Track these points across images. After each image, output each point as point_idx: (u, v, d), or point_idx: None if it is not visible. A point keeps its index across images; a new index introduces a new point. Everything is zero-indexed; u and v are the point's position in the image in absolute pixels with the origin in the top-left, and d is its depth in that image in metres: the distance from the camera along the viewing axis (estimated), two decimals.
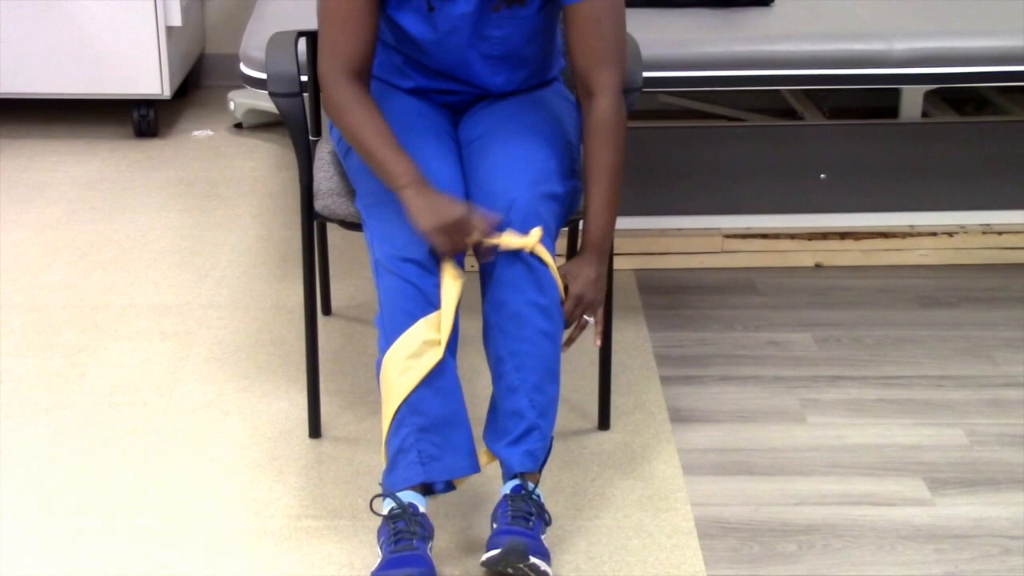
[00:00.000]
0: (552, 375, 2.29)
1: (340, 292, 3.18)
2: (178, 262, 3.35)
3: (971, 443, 2.63)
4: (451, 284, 2.24)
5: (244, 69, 2.95)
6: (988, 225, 3.36)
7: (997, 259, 3.35)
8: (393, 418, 2.22)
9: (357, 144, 2.28)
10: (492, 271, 2.28)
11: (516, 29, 2.44)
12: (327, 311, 3.09)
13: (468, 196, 2.34)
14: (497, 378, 2.29)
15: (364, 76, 2.33)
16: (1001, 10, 3.25)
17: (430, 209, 2.20)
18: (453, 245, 2.21)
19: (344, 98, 2.29)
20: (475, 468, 2.25)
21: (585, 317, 2.36)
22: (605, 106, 2.34)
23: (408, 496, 2.21)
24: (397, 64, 2.52)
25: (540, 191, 2.30)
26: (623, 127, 2.36)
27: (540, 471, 2.29)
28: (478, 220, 2.21)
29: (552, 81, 2.61)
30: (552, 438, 2.33)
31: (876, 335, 3.04)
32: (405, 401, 2.21)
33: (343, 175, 2.50)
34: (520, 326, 2.27)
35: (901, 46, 3.05)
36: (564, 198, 2.36)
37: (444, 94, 2.53)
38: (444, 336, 2.23)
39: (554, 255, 2.29)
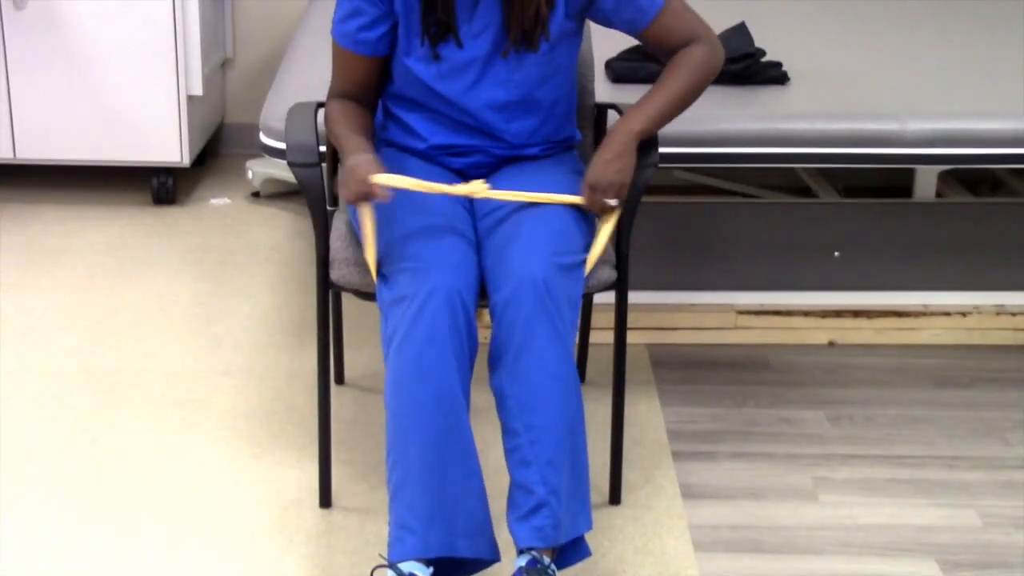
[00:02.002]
0: (570, 450, 2.28)
1: (354, 361, 3.18)
2: (193, 329, 3.36)
3: (984, 525, 2.61)
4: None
5: (263, 138, 2.97)
6: (1002, 306, 3.36)
7: (1011, 340, 3.35)
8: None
9: (331, 135, 2.50)
10: (510, 340, 2.28)
11: (528, 73, 2.47)
12: (340, 380, 3.10)
13: (485, 269, 2.36)
14: (511, 451, 2.29)
15: (357, 101, 2.54)
16: (1015, 92, 3.27)
17: (348, 170, 2.33)
18: (353, 191, 2.30)
19: (331, 109, 2.54)
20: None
21: (608, 202, 2.40)
22: (696, 47, 2.49)
23: (410, 567, 2.20)
24: (412, 122, 2.54)
25: (559, 262, 2.31)
26: (706, 69, 2.49)
27: (559, 545, 2.27)
28: (367, 169, 2.29)
29: (569, 147, 2.63)
30: (586, 513, 2.30)
31: (889, 414, 3.03)
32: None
33: (359, 245, 2.52)
34: (538, 399, 2.27)
35: (915, 126, 3.07)
36: (583, 269, 2.37)
37: (460, 155, 2.55)
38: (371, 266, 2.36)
39: (576, 327, 2.30)
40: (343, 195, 2.32)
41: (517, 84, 2.48)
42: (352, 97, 2.55)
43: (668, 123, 2.51)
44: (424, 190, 2.38)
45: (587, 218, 2.46)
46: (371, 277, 2.41)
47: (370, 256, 2.38)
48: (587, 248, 2.41)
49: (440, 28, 2.43)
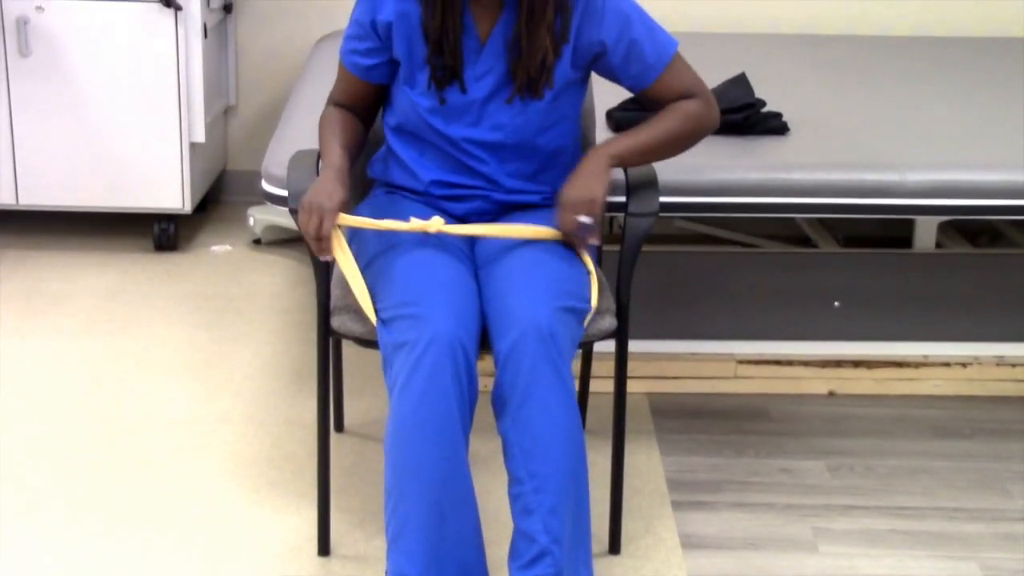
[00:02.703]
0: (574, 497, 2.27)
1: (353, 409, 3.18)
2: (193, 376, 3.36)
3: None
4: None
5: (265, 186, 2.98)
6: (1002, 357, 3.36)
7: (1011, 391, 3.34)
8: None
9: (319, 137, 2.58)
10: (515, 388, 2.28)
11: (530, 119, 2.49)
12: (340, 428, 3.09)
13: (488, 317, 2.36)
14: (515, 498, 2.28)
15: (351, 112, 2.63)
16: (1015, 143, 3.28)
17: (315, 187, 2.40)
18: (306, 222, 2.35)
19: (325, 115, 2.62)
20: None
21: (581, 219, 2.40)
22: (693, 101, 2.55)
23: None
24: (411, 159, 2.56)
25: (558, 305, 2.31)
26: (697, 122, 2.54)
27: None
28: (328, 211, 2.34)
29: None
30: (587, 562, 2.31)
31: (889, 464, 3.02)
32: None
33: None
34: (542, 446, 2.26)
35: (915, 177, 3.08)
36: (582, 316, 2.37)
37: (460, 199, 2.56)
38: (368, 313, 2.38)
39: (570, 376, 2.30)
40: (299, 221, 2.38)
41: (517, 129, 2.50)
42: (347, 108, 2.64)
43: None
44: (380, 228, 2.44)
45: (584, 269, 2.47)
46: (371, 323, 2.41)
47: (356, 288, 2.41)
48: (588, 292, 2.42)
49: (446, 72, 2.46)
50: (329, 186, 2.39)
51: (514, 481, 2.29)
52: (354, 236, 2.54)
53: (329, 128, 2.59)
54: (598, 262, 2.61)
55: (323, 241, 2.36)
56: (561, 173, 2.58)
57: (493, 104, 2.49)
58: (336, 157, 2.50)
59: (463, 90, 2.48)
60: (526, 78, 2.45)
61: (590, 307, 2.41)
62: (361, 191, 2.79)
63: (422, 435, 2.23)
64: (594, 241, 2.46)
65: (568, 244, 2.47)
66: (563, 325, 2.30)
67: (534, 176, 2.57)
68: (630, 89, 2.58)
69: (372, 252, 2.47)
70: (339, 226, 2.41)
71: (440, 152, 2.54)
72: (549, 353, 2.26)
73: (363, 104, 2.64)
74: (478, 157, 2.52)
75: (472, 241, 2.55)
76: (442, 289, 2.32)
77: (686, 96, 2.55)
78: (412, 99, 2.51)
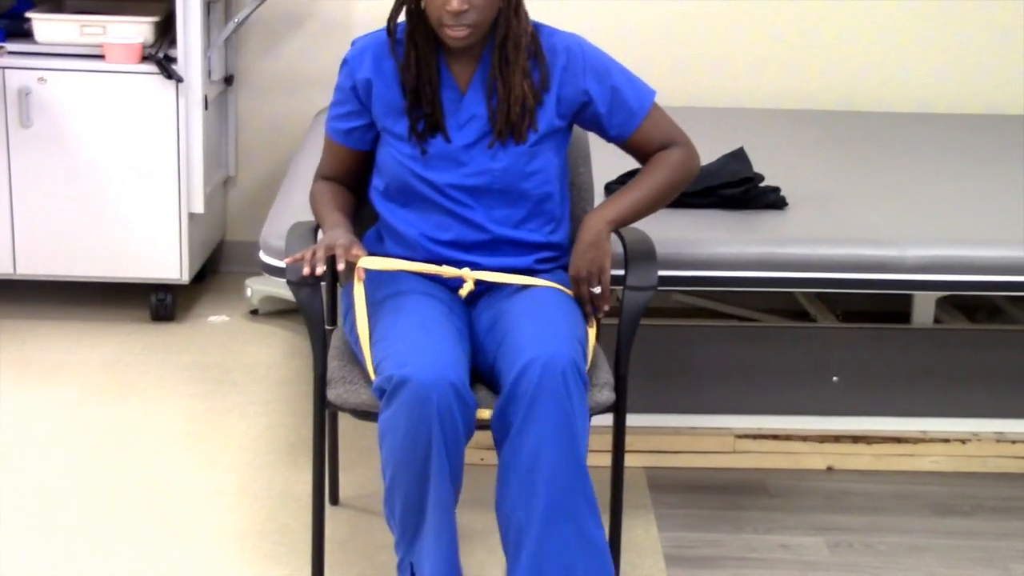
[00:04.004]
0: (568, 519, 2.31)
1: (349, 482, 3.16)
2: (188, 447, 3.34)
3: None
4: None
5: (263, 257, 2.98)
6: (1001, 433, 3.34)
7: (1011, 468, 3.32)
8: None
9: (314, 212, 2.65)
10: (517, 413, 2.30)
11: (513, 163, 2.54)
12: (335, 501, 3.07)
13: (488, 368, 2.42)
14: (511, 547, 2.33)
15: (340, 184, 2.70)
16: (1013, 220, 3.28)
17: (326, 235, 2.52)
18: (316, 251, 2.44)
19: (315, 191, 2.69)
20: None
21: (594, 291, 2.50)
22: (675, 150, 2.62)
23: None
24: (402, 219, 2.59)
25: (564, 337, 2.37)
26: (683, 170, 2.61)
27: None
28: (341, 244, 2.43)
29: (556, 255, 2.65)
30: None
31: (889, 541, 3.00)
32: None
33: (356, 364, 2.51)
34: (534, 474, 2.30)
35: (913, 253, 3.09)
36: (585, 353, 2.41)
37: (449, 244, 2.58)
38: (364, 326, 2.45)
39: (581, 407, 2.31)
40: (320, 251, 2.44)
41: (502, 173, 2.55)
42: (334, 180, 2.70)
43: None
44: (409, 269, 2.52)
45: (579, 316, 2.51)
46: (367, 395, 2.41)
47: (362, 327, 2.46)
48: (587, 339, 2.47)
49: (428, 124, 2.50)
50: (343, 235, 2.48)
51: (503, 516, 2.34)
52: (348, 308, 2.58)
53: (321, 200, 2.66)
54: (598, 335, 2.61)
55: (350, 255, 2.44)
56: (547, 222, 2.61)
57: (477, 149, 2.54)
58: (337, 218, 2.58)
59: (447, 139, 2.54)
60: (506, 122, 2.51)
61: (589, 351, 2.47)
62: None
63: (407, 477, 2.31)
64: (606, 306, 2.54)
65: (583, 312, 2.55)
66: (570, 354, 2.33)
67: (522, 223, 2.60)
68: (615, 139, 2.64)
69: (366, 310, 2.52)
70: (357, 273, 2.49)
71: (427, 203, 2.57)
72: (554, 379, 2.29)
73: (349, 175, 2.70)
74: (464, 203, 2.56)
75: (469, 303, 2.60)
76: (433, 336, 2.36)
77: (667, 144, 2.63)
78: (396, 152, 2.56)
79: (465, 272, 2.54)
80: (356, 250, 2.44)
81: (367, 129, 2.62)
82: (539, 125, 2.54)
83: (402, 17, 2.54)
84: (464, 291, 2.52)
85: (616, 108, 2.59)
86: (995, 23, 4.55)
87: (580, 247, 2.53)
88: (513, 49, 2.50)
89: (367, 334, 2.45)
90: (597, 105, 2.58)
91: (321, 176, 2.72)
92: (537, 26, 2.58)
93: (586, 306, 2.53)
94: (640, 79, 2.64)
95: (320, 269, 2.39)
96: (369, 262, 2.49)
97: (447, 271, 2.53)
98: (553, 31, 2.60)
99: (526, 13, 2.54)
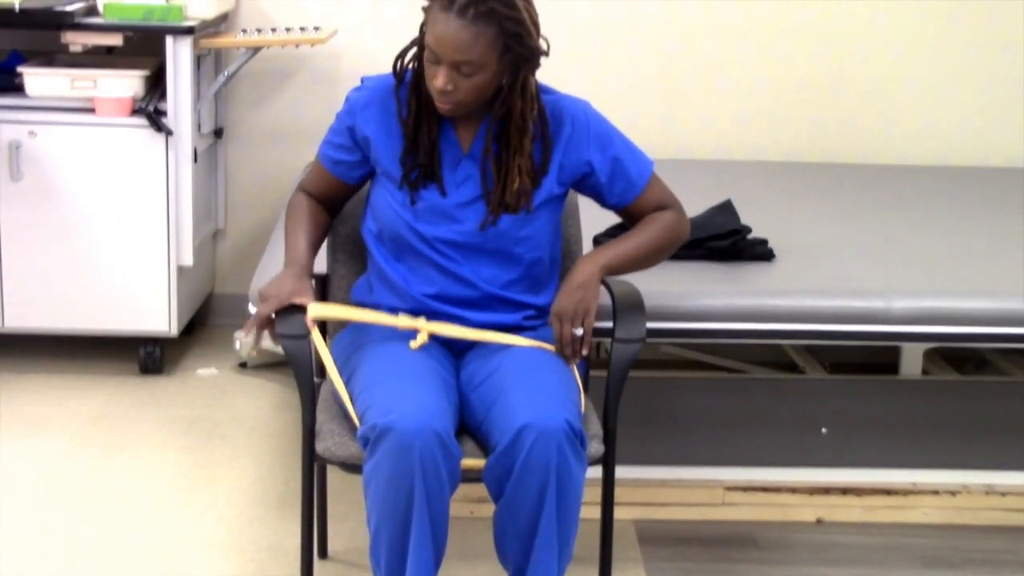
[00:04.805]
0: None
1: (338, 535, 3.14)
2: (176, 500, 3.32)
3: None
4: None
5: (252, 309, 2.98)
6: (991, 486, 3.34)
7: (1001, 521, 3.32)
8: None
9: (285, 227, 2.66)
10: (511, 471, 2.31)
11: (506, 229, 2.53)
12: (323, 554, 3.05)
13: (483, 422, 2.41)
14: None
15: (320, 202, 2.71)
16: (1000, 272, 3.30)
17: (277, 279, 2.53)
18: (263, 308, 2.48)
19: (294, 202, 2.70)
20: None
21: (576, 331, 2.47)
22: (669, 212, 2.65)
23: None
24: (394, 272, 2.59)
25: (557, 401, 2.36)
26: (675, 232, 2.63)
27: None
28: (293, 292, 2.48)
29: (544, 314, 2.65)
30: None
31: None
32: None
33: (345, 417, 2.51)
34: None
35: (900, 304, 3.09)
36: (578, 416, 2.40)
37: (435, 297, 2.57)
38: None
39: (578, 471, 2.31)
40: (263, 309, 2.48)
41: (495, 235, 2.54)
42: (315, 198, 2.71)
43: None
44: (360, 320, 2.53)
45: (570, 374, 2.49)
46: (356, 448, 2.41)
47: (333, 376, 2.51)
48: (579, 401, 2.45)
49: (422, 173, 2.50)
50: (290, 282, 2.50)
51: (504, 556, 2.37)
52: (339, 350, 2.61)
53: (296, 220, 2.66)
54: (585, 387, 2.61)
55: (263, 325, 2.49)
56: (534, 285, 2.61)
57: (472, 209, 2.54)
58: (300, 254, 2.59)
59: (443, 193, 2.53)
60: (499, 202, 2.52)
61: (582, 414, 2.44)
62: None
63: (393, 524, 2.31)
64: (587, 350, 2.52)
65: (560, 354, 2.52)
66: (565, 415, 2.32)
67: (509, 285, 2.59)
68: (613, 207, 2.66)
69: (351, 361, 2.53)
70: (315, 320, 2.50)
71: (416, 254, 2.57)
72: (549, 444, 2.29)
73: (330, 198, 2.72)
74: (452, 258, 2.56)
75: (456, 356, 2.60)
76: (419, 386, 2.36)
77: (661, 208, 2.66)
78: (390, 197, 2.56)
79: (420, 323, 2.52)
80: (299, 299, 2.47)
81: (355, 166, 2.64)
82: (540, 196, 2.55)
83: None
84: (416, 344, 2.49)
85: (616, 178, 2.60)
86: (982, 76, 4.59)
87: (569, 286, 2.53)
88: (516, 133, 2.49)
89: (340, 384, 2.47)
90: (598, 175, 2.59)
91: (303, 189, 2.73)
92: (544, 90, 2.57)
93: (565, 348, 2.51)
94: (639, 149, 2.65)
95: (254, 338, 2.50)
96: (317, 309, 2.49)
97: (402, 322, 2.52)
98: (559, 97, 2.59)
99: (535, 89, 2.51)
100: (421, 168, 2.52)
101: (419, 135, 2.52)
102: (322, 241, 2.72)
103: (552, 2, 4.42)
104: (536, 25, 2.43)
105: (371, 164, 2.61)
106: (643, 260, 2.64)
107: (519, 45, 2.40)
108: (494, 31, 2.37)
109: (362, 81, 2.62)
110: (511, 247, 2.56)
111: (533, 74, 2.48)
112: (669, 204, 2.66)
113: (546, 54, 2.47)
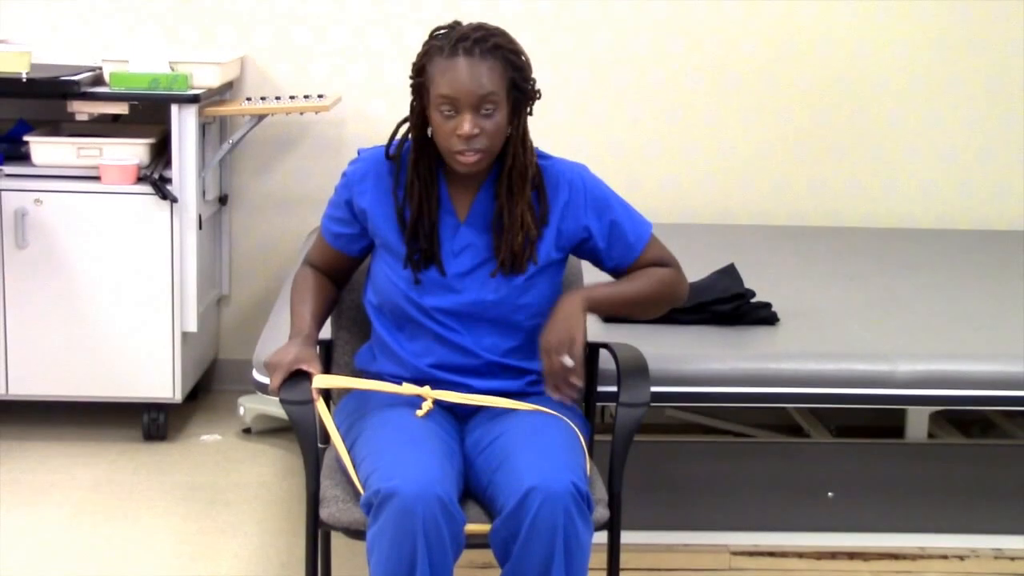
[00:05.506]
0: None
1: None
2: (178, 569, 3.30)
3: None
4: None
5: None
6: (1000, 550, 3.31)
7: None
8: None
9: (291, 301, 2.67)
10: (517, 536, 2.30)
11: (508, 294, 2.54)
12: None
13: (488, 486, 2.40)
14: None
15: (325, 275, 2.71)
16: (1004, 334, 3.29)
17: (281, 350, 2.54)
18: (273, 380, 2.49)
19: (299, 276, 2.71)
20: None
21: (564, 361, 2.45)
22: (668, 269, 2.64)
23: None
24: (395, 343, 2.60)
25: (562, 465, 2.34)
26: (671, 287, 2.63)
27: None
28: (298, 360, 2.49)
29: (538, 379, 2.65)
30: None
31: None
32: None
33: (349, 483, 2.50)
34: None
35: (905, 367, 3.09)
36: (584, 480, 2.38)
37: (437, 366, 2.57)
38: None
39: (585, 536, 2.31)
40: (273, 382, 2.49)
41: (496, 303, 2.55)
42: (320, 271, 2.72)
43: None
44: (366, 388, 2.53)
45: (576, 438, 2.48)
46: (361, 515, 2.40)
47: (336, 441, 2.51)
48: (584, 464, 2.44)
49: (423, 256, 2.51)
50: (295, 350, 2.52)
51: None
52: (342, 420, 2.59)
53: (300, 293, 2.67)
54: (590, 451, 2.60)
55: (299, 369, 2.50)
56: (535, 351, 2.60)
57: (471, 278, 2.55)
58: (305, 325, 2.60)
59: (442, 273, 2.54)
60: (510, 253, 2.52)
61: (587, 477, 2.43)
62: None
63: None
64: (577, 382, 2.50)
65: (555, 397, 2.52)
66: (571, 479, 2.31)
67: (510, 352, 2.59)
68: (611, 271, 2.65)
69: (355, 428, 2.52)
70: (319, 389, 2.50)
71: (417, 325, 2.58)
72: (555, 508, 2.28)
73: (335, 270, 2.72)
74: (452, 328, 2.56)
75: (461, 422, 2.59)
76: (421, 453, 2.36)
77: (659, 265, 2.66)
78: (390, 272, 2.58)
79: (425, 391, 2.52)
80: (304, 365, 2.49)
81: (355, 239, 2.65)
82: (538, 257, 2.56)
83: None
84: (422, 412, 2.49)
85: (615, 242, 2.61)
86: (983, 141, 4.62)
87: (553, 319, 2.52)
88: (519, 179, 2.52)
89: (344, 450, 2.47)
90: (596, 240, 2.60)
91: (308, 262, 2.74)
92: (540, 155, 2.60)
93: (555, 379, 2.50)
94: (637, 211, 2.65)
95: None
96: (322, 380, 2.51)
97: (407, 389, 2.52)
98: (556, 161, 2.61)
99: (531, 143, 2.56)
100: (422, 252, 2.54)
101: (420, 218, 2.53)
102: (328, 313, 2.72)
103: (554, 68, 4.46)
104: (530, 65, 2.53)
105: (371, 236, 2.62)
106: (631, 306, 2.63)
107: (522, 80, 2.49)
108: (502, 65, 2.45)
109: (358, 153, 2.64)
110: (511, 315, 2.56)
111: (526, 119, 2.54)
112: (668, 263, 2.66)
113: (539, 95, 2.53)
